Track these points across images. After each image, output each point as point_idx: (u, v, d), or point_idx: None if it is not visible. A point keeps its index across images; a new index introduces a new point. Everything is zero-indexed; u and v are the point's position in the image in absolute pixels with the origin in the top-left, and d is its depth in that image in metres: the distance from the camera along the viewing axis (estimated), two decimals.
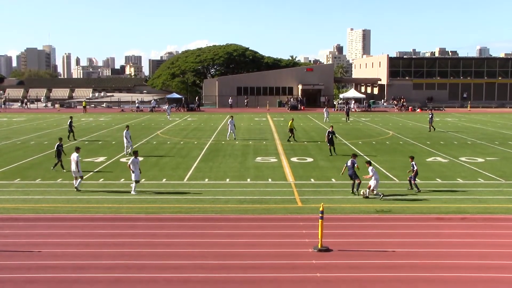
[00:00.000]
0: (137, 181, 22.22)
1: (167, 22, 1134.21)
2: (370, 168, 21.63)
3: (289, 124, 40.73)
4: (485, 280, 12.86)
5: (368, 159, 23.45)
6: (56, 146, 27.38)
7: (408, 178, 23.20)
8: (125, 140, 33.02)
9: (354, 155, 23.00)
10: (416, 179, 22.85)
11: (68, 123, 41.41)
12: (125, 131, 33.29)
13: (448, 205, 20.31)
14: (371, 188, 21.28)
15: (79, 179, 22.88)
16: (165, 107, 69.00)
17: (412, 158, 23.58)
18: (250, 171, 27.42)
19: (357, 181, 22.02)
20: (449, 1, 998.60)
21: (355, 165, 22.26)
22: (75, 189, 22.65)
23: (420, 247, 15.18)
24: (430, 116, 49.18)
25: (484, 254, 14.63)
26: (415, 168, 22.77)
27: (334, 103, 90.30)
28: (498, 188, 23.39)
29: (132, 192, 21.99)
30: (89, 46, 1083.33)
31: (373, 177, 21.25)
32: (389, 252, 14.76)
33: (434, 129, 48.26)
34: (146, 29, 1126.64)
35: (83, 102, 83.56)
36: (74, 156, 23.04)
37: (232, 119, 42.49)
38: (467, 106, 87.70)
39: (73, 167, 22.79)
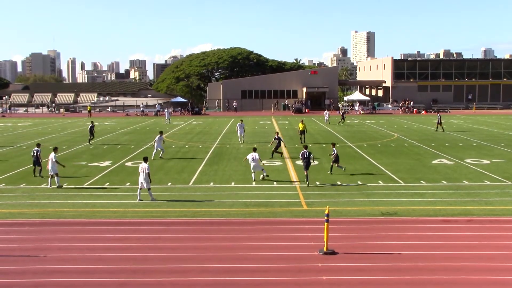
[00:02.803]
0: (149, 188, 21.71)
1: (171, 26, 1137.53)
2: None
3: (300, 126, 41.08)
4: (492, 282, 12.81)
5: (254, 147, 28.29)
6: (36, 152, 27.05)
7: (331, 163, 27.46)
8: (157, 144, 33.10)
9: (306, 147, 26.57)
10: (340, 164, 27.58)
11: (89, 128, 42.21)
12: (158, 136, 33.53)
13: (454, 207, 20.25)
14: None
15: (56, 177, 24.18)
16: (165, 111, 69.30)
17: (334, 144, 28.67)
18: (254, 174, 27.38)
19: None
20: (453, 3, 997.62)
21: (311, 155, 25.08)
22: (50, 187, 24.02)
23: (426, 250, 15.14)
24: (439, 117, 50.43)
25: (491, 256, 14.57)
26: (335, 152, 27.20)
27: (339, 105, 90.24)
28: (504, 190, 23.31)
29: (153, 199, 21.53)
30: (94, 50, 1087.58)
31: (250, 161, 25.78)
32: (394, 255, 14.72)
33: (443, 129, 49.28)
34: (151, 33, 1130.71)
35: (88, 107, 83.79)
36: (52, 156, 24.37)
37: (241, 123, 42.35)
38: (472, 108, 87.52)
39: (52, 166, 24.14)
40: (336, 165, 27.45)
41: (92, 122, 43.75)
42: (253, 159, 25.58)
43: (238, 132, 41.77)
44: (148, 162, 22.07)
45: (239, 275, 13.30)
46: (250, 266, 13.89)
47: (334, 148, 27.86)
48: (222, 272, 13.47)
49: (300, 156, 25.42)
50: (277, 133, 35.79)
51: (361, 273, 13.39)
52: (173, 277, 13.21)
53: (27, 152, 36.40)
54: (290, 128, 55.27)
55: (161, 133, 34.76)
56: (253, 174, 25.84)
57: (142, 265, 14.01)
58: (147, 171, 21.43)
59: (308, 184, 24.27)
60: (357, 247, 15.40)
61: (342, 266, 13.90)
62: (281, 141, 34.24)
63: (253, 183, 25.11)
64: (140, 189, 21.67)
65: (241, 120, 43.85)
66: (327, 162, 31.26)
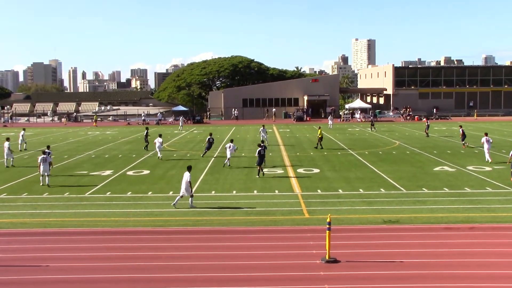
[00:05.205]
0: (192, 196, 22.04)
1: (172, 35, 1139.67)
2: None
3: (319, 132, 43.58)
4: None
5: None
6: (47, 154, 28.64)
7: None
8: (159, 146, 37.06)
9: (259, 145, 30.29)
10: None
11: (145, 134, 43.80)
12: (158, 139, 37.26)
13: (456, 214, 20.21)
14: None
15: (47, 177, 26.94)
16: (180, 119, 72.34)
17: (259, 145, 30.70)
18: (256, 182, 27.41)
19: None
20: (453, 10, 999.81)
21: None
22: (48, 186, 26.59)
23: (429, 257, 15.09)
24: (427, 123, 54.30)
25: (493, 264, 14.52)
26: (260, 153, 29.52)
27: (340, 113, 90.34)
28: (506, 197, 23.26)
29: (192, 205, 21.83)
30: (95, 60, 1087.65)
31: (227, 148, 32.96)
32: (397, 263, 14.68)
33: (427, 135, 52.46)
34: (151, 42, 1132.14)
35: (94, 116, 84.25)
36: (44, 157, 27.13)
37: (264, 128, 45.82)
38: (473, 115, 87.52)
39: (44, 166, 26.86)
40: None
41: (146, 129, 45.22)
42: (230, 148, 32.66)
43: (262, 135, 44.94)
44: (190, 171, 22.37)
45: (241, 284, 13.25)
46: (252, 275, 13.86)
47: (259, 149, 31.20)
48: (224, 281, 13.43)
49: (256, 154, 29.83)
50: (210, 133, 39.57)
51: (364, 281, 13.34)
52: (175, 286, 13.17)
53: (29, 161, 36.42)
54: (291, 136, 55.27)
55: (160, 135, 38.26)
56: (227, 160, 32.75)
57: (144, 274, 13.97)
58: (188, 180, 21.72)
59: (258, 175, 28.84)
60: (359, 255, 15.36)
61: (345, 274, 13.85)
62: (212, 144, 38.43)
63: (255, 191, 25.12)
64: (181, 196, 21.88)
65: (263, 126, 47.27)
66: (329, 170, 31.31)
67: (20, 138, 44.64)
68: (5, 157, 34.51)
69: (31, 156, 39.97)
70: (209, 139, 38.00)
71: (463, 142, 42.90)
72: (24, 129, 47.39)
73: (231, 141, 34.30)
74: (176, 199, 22.00)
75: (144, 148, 42.83)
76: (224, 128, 67.83)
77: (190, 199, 21.86)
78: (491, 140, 34.77)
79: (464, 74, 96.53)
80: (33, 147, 45.99)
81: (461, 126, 45.09)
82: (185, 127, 72.95)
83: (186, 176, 21.85)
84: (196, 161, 36.10)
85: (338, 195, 24.07)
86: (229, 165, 32.67)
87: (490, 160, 33.55)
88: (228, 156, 32.88)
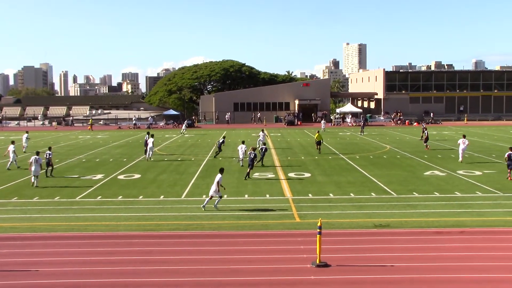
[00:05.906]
0: (221, 197, 22.36)
1: (164, 39, 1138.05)
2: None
3: (316, 136, 43.63)
4: None
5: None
6: (48, 155, 30.93)
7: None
8: (150, 146, 38.24)
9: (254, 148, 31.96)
10: None
11: (145, 139, 42.08)
12: (151, 139, 38.72)
13: (446, 218, 20.30)
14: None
15: (37, 178, 27.70)
16: (184, 122, 73.29)
17: (254, 148, 31.83)
18: (247, 187, 27.40)
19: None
20: (444, 15, 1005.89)
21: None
22: (35, 186, 27.36)
23: (419, 261, 15.14)
24: (423, 128, 53.90)
25: (484, 268, 14.59)
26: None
27: (331, 117, 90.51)
28: (496, 201, 23.39)
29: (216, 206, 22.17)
30: (86, 63, 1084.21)
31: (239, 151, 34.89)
32: (387, 267, 14.72)
33: (421, 138, 51.46)
34: (143, 46, 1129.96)
35: (90, 120, 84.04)
36: (37, 158, 27.85)
37: (263, 132, 46.40)
38: (463, 119, 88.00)
39: (36, 167, 27.54)
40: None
41: (147, 133, 43.30)
42: (242, 149, 34.56)
43: (260, 139, 44.87)
44: (222, 174, 22.60)
45: None
46: (242, 279, 13.85)
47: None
48: (215, 285, 13.41)
49: (248, 154, 31.24)
50: (224, 136, 42.19)
51: (354, 285, 13.37)
52: None
53: (20, 165, 36.17)
54: (282, 140, 55.37)
55: (152, 136, 39.75)
56: (241, 161, 34.70)
57: (134, 278, 13.93)
58: (219, 181, 21.94)
59: (245, 178, 29.46)
60: (350, 259, 15.38)
61: (335, 278, 13.87)
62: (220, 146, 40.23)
63: (246, 195, 25.11)
64: (210, 198, 22.11)
65: (262, 130, 48.00)
66: (319, 174, 31.36)
67: (24, 140, 45.98)
68: (13, 160, 35.06)
69: (20, 160, 39.63)
70: (222, 141, 40.61)
71: (425, 143, 44.99)
72: (27, 132, 48.65)
73: (243, 142, 35.87)
74: (206, 202, 22.14)
75: (145, 152, 42.09)
76: (216, 132, 67.77)
77: (218, 199, 22.13)
78: (467, 142, 36.54)
79: (455, 78, 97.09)
80: (22, 151, 45.67)
81: (426, 128, 47.77)
82: (175, 131, 72.80)
83: (217, 177, 22.09)
84: (187, 165, 36.05)
85: (329, 199, 24.11)
86: (241, 165, 34.37)
87: (461, 160, 35.75)
88: (241, 157, 34.90)
